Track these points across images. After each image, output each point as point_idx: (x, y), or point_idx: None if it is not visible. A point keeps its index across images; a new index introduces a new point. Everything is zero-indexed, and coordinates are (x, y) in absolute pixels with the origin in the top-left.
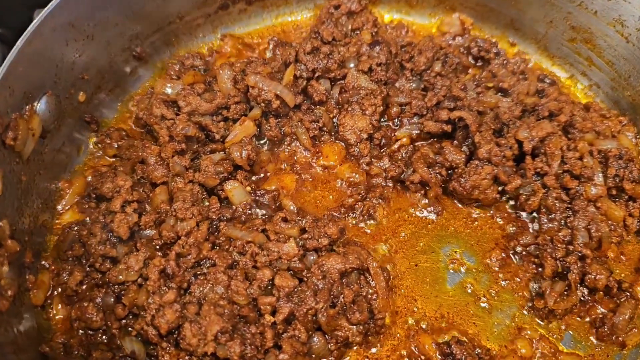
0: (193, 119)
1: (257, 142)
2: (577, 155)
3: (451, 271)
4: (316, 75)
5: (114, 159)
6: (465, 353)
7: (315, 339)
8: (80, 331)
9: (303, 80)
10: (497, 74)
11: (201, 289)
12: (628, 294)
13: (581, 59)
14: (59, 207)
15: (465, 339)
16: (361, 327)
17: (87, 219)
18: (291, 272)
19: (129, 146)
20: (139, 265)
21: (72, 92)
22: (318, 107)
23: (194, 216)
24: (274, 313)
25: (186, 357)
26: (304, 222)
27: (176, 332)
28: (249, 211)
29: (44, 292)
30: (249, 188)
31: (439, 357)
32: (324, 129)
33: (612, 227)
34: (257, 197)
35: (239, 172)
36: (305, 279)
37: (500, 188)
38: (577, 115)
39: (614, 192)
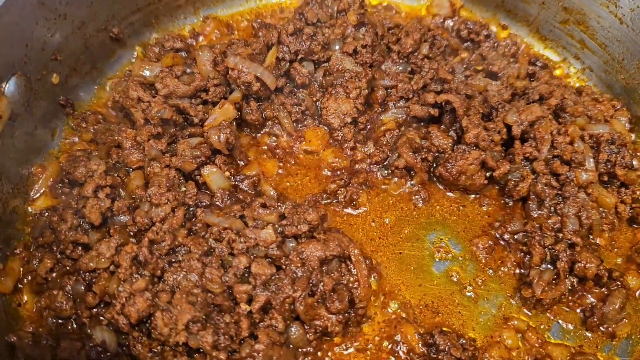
0: (170, 102)
1: (237, 127)
2: (567, 139)
3: (437, 259)
4: (299, 57)
5: (90, 143)
6: (449, 344)
7: (293, 328)
8: (50, 320)
9: (286, 63)
10: (487, 57)
11: (175, 276)
12: (619, 283)
13: (574, 42)
14: (32, 193)
15: (450, 329)
16: (341, 317)
17: (60, 204)
18: (269, 259)
19: (105, 130)
20: (111, 252)
21: (44, 74)
22: (301, 90)
23: (169, 202)
24: (250, 302)
25: (159, 347)
26: (283, 208)
27: (148, 321)
28: (228, 197)
29: (13, 279)
30: (227, 173)
31: (422, 347)
32: (307, 112)
33: (603, 214)
34: (236, 182)
35: (217, 157)
36: (284, 267)
37: (488, 174)
38: (569, 99)
39: (605, 178)
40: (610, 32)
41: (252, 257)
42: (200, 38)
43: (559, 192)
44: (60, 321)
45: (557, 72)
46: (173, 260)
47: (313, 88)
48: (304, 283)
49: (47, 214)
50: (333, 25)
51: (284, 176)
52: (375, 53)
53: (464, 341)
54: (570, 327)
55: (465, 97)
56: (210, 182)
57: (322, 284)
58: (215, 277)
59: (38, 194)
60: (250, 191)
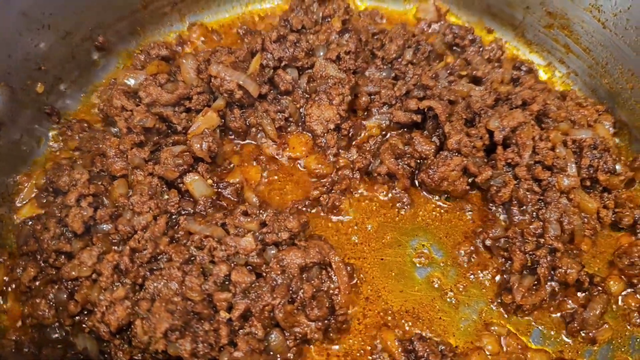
0: (153, 110)
1: (222, 134)
2: (549, 145)
3: (418, 265)
4: (283, 64)
5: (75, 152)
6: (428, 350)
7: (273, 335)
8: (33, 328)
9: (269, 70)
10: (472, 62)
11: (155, 284)
12: (600, 288)
13: (558, 46)
14: (17, 201)
15: (430, 335)
16: (320, 324)
17: (44, 213)
18: (249, 267)
19: (90, 138)
20: (93, 260)
21: (28, 84)
22: (284, 97)
23: (151, 210)
24: (230, 309)
25: (139, 355)
26: (264, 215)
27: (129, 329)
28: (210, 205)
29: None
30: (210, 181)
31: (402, 354)
32: (291, 119)
33: (586, 219)
34: (219, 190)
35: (200, 165)
36: (264, 274)
37: (470, 180)
38: (552, 104)
39: (587, 183)
40: (594, 36)
41: (232, 265)
42: (186, 45)
43: (541, 198)
44: (42, 329)
45: (544, 76)
46: (154, 268)
47: (297, 95)
48: (284, 290)
49: (30, 222)
50: (318, 31)
51: (267, 183)
52: (359, 59)
53: (443, 347)
54: (551, 332)
55: (449, 102)
56: (193, 190)
57: (302, 291)
58: (195, 286)
59: (23, 203)
60: (233, 198)
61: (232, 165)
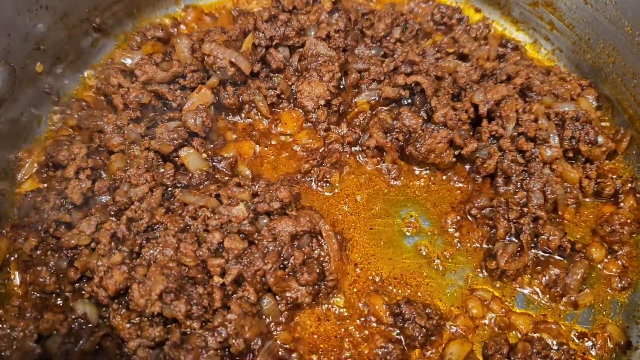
0: (149, 88)
1: (216, 111)
2: (532, 117)
3: (407, 234)
4: (274, 43)
5: (74, 129)
6: (414, 313)
7: (265, 300)
8: (35, 294)
9: (262, 49)
10: (459, 40)
11: (151, 251)
12: (582, 254)
13: (543, 23)
14: (19, 177)
15: (417, 300)
16: (311, 288)
17: (44, 186)
18: (242, 235)
19: (89, 116)
20: (91, 229)
21: (27, 63)
22: (276, 74)
23: (147, 182)
24: (223, 275)
25: (137, 319)
26: (257, 187)
27: (127, 294)
28: (205, 177)
29: (1, 257)
30: (205, 155)
31: (389, 317)
32: (282, 96)
33: (568, 189)
34: (213, 164)
35: (195, 139)
36: (256, 242)
37: (457, 152)
38: (535, 78)
39: (570, 154)
40: (576, 13)
41: (225, 232)
42: (182, 27)
43: (525, 169)
44: (44, 295)
45: (530, 54)
46: (151, 237)
47: (288, 72)
48: (275, 257)
49: (31, 195)
50: (309, 11)
51: (260, 157)
52: (349, 38)
53: (429, 310)
54: (535, 297)
55: (435, 78)
56: (188, 163)
57: (292, 257)
58: (189, 252)
59: (25, 178)
60: (227, 172)
61: (226, 141)
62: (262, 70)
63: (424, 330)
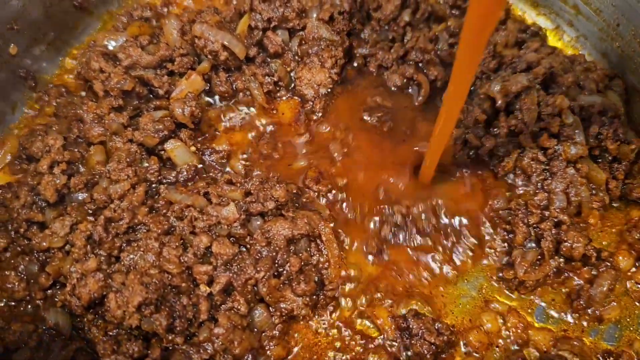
0: (133, 73)
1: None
2: (555, 111)
3: None
4: (272, 25)
5: (51, 117)
6: (423, 328)
7: (257, 311)
8: (2, 302)
9: (259, 31)
10: None
11: (131, 256)
12: (608, 263)
13: (567, 7)
14: None
15: (425, 312)
16: (308, 299)
17: (14, 181)
18: (233, 238)
19: (68, 103)
20: (65, 230)
21: (0, 44)
22: (274, 60)
23: (129, 177)
24: (211, 283)
25: (114, 331)
26: (249, 184)
27: (103, 304)
28: (193, 173)
29: None
30: (193, 148)
31: (395, 331)
32: (280, 83)
33: (594, 191)
34: (203, 157)
35: (182, 131)
36: (248, 246)
37: (471, 152)
38: (558, 67)
39: (596, 152)
40: None
41: (214, 236)
42: (172, 7)
43: (547, 168)
44: (12, 303)
45: (551, 41)
46: (131, 239)
47: (287, 57)
48: (268, 263)
49: (0, 190)
50: None
51: (253, 148)
52: (354, 20)
53: (439, 325)
54: (555, 310)
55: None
56: (175, 157)
57: (288, 264)
58: (172, 257)
59: None
60: (218, 167)
61: (217, 132)
62: (258, 55)
63: (434, 348)
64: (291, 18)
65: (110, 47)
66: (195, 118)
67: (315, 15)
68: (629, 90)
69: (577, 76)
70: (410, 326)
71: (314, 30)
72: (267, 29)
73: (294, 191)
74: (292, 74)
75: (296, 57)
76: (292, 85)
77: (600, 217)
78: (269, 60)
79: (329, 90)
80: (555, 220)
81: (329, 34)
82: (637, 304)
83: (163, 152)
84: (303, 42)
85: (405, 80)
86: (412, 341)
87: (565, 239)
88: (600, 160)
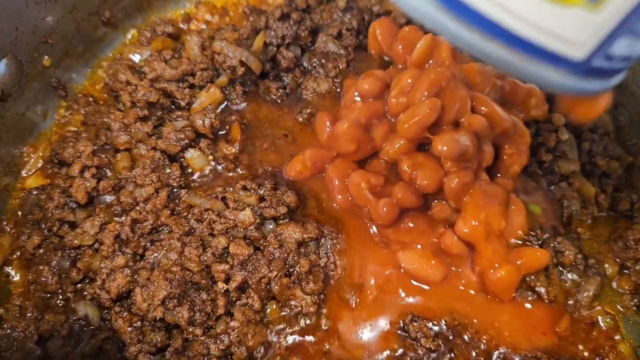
0: (157, 86)
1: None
2: (552, 128)
3: None
4: (286, 42)
5: (80, 125)
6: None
7: (269, 307)
8: (37, 294)
9: (273, 47)
10: None
11: (155, 255)
12: (595, 270)
13: None
14: (23, 172)
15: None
16: (316, 297)
17: (48, 183)
18: (248, 240)
19: (95, 112)
20: (95, 229)
21: (35, 57)
22: (287, 74)
23: (152, 182)
24: (227, 281)
25: (139, 323)
26: (262, 190)
27: (129, 297)
28: (212, 179)
29: (3, 255)
30: (211, 157)
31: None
32: (290, 94)
33: (584, 204)
34: (218, 165)
35: (202, 140)
36: (262, 248)
37: None
38: None
39: (587, 167)
40: None
41: (230, 237)
42: (192, 23)
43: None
44: (46, 295)
45: None
46: (155, 239)
47: (297, 71)
48: (280, 264)
49: (35, 192)
50: (322, 10)
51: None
52: (360, 36)
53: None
54: None
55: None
56: (194, 164)
57: (298, 265)
58: (193, 256)
59: (30, 173)
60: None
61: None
62: (272, 69)
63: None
64: (304, 36)
65: (136, 60)
66: (214, 129)
67: (324, 32)
68: (618, 109)
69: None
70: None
71: (322, 44)
72: (281, 45)
73: (303, 196)
74: (301, 86)
75: (305, 71)
76: (300, 94)
77: (589, 228)
78: (282, 74)
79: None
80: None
81: (336, 48)
82: (620, 308)
83: (183, 159)
84: (313, 57)
85: None
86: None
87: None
88: (590, 175)
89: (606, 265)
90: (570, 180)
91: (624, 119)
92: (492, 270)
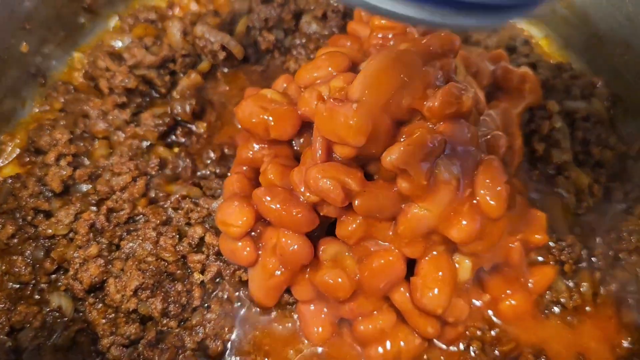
0: (137, 72)
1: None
2: (546, 114)
3: None
4: (269, 25)
5: (59, 113)
6: None
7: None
8: (10, 285)
9: (256, 31)
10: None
11: (131, 244)
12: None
13: (556, 18)
14: (0, 161)
15: None
16: None
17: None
18: None
19: (75, 100)
20: (69, 219)
21: (12, 43)
22: (268, 56)
23: (130, 171)
24: (203, 272)
25: (113, 314)
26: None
27: (103, 288)
28: (190, 167)
29: None
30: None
31: None
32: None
33: (577, 195)
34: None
35: (179, 128)
36: None
37: None
38: (548, 75)
39: (581, 157)
40: (590, 7)
41: (207, 227)
42: (176, 9)
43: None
44: (19, 286)
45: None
46: (132, 229)
47: (277, 52)
48: None
49: (10, 181)
50: None
51: None
52: (347, 18)
53: None
54: None
55: None
56: (172, 152)
57: None
58: (168, 246)
59: (6, 162)
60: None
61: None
62: (255, 53)
63: None
64: (287, 19)
65: (116, 47)
66: (194, 114)
67: (309, 14)
68: (613, 97)
69: (563, 83)
70: None
71: (307, 26)
72: (264, 28)
73: None
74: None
75: (285, 52)
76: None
77: None
78: (263, 57)
79: None
80: None
81: (320, 28)
82: None
83: (162, 148)
84: (295, 38)
85: None
86: None
87: None
88: (583, 164)
89: (593, 259)
90: (566, 174)
91: (619, 108)
92: None
